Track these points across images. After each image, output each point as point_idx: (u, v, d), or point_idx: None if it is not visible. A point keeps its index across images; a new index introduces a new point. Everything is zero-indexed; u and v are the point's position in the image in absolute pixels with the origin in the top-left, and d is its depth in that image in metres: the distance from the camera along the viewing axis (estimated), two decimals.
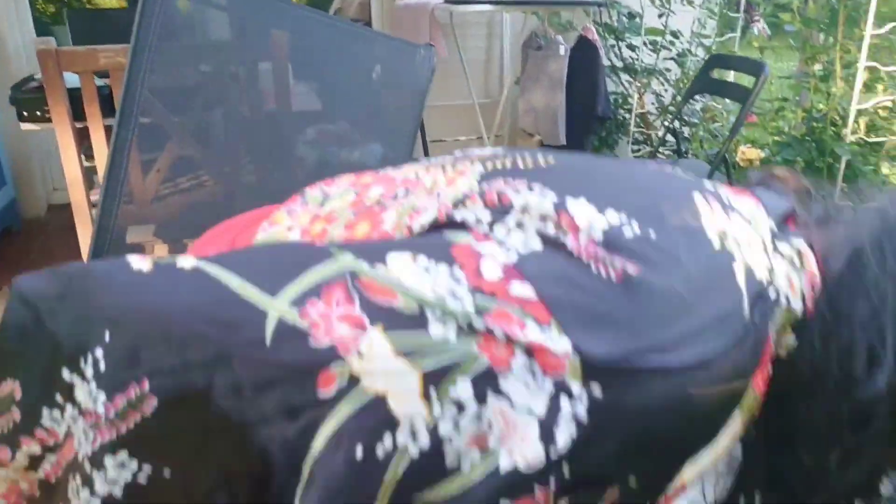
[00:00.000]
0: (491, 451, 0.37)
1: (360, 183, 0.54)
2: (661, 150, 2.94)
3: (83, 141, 1.87)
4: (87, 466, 0.37)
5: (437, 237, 0.42)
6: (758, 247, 0.44)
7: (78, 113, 1.80)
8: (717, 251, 0.42)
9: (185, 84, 1.61)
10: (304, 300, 0.37)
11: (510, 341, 0.38)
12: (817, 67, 2.33)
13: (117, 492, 0.37)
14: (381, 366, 0.37)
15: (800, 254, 0.46)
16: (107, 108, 1.83)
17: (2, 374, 0.39)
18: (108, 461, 0.37)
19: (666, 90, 3.20)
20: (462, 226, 0.43)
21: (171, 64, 1.35)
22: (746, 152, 2.63)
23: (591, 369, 0.37)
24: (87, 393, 0.38)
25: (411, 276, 0.38)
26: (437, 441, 0.37)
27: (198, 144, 1.72)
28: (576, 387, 0.37)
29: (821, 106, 2.31)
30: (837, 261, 0.44)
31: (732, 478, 0.46)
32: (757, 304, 0.41)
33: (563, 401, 0.37)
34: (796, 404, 0.43)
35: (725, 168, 2.22)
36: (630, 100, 3.33)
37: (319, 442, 0.36)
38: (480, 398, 0.38)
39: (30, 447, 0.39)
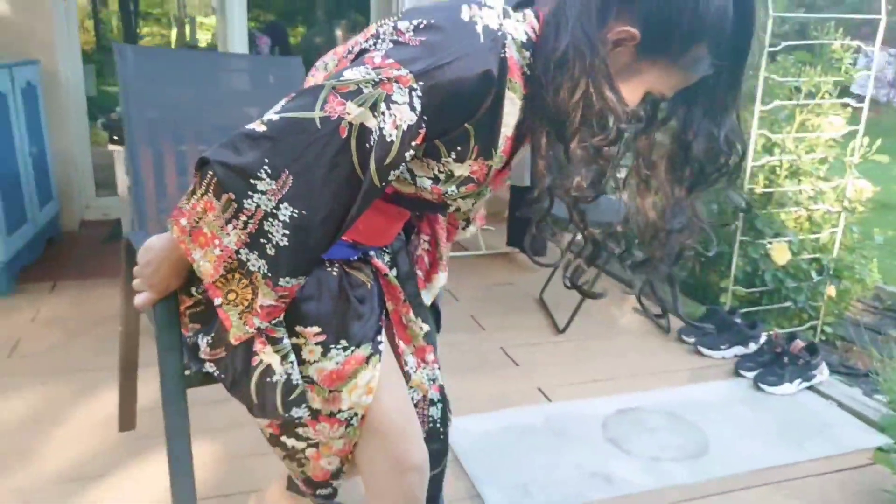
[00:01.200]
0: (398, 125, 0.87)
1: (337, 51, 1.09)
2: None
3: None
4: (274, 212, 0.89)
5: (358, 59, 0.93)
6: (494, 17, 0.93)
7: None
8: (466, 21, 0.91)
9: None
10: (323, 106, 0.87)
11: (389, 80, 0.87)
12: None
13: (286, 219, 0.89)
14: (355, 112, 0.86)
15: (524, 15, 0.96)
16: None
17: (222, 193, 0.89)
18: (281, 206, 0.88)
19: None
20: (366, 50, 0.97)
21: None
22: None
23: (418, 75, 0.87)
24: (266, 184, 0.88)
25: (352, 75, 0.88)
26: (381, 133, 0.87)
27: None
28: (415, 84, 0.87)
29: None
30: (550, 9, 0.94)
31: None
32: (488, 37, 0.91)
33: (412, 93, 0.88)
34: (541, 83, 0.93)
35: None
36: None
37: (353, 145, 0.87)
38: (388, 106, 0.87)
39: (241, 217, 0.90)
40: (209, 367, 1.08)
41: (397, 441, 1.07)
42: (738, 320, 2.61)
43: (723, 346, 2.56)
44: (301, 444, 1.09)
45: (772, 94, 2.76)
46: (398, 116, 0.88)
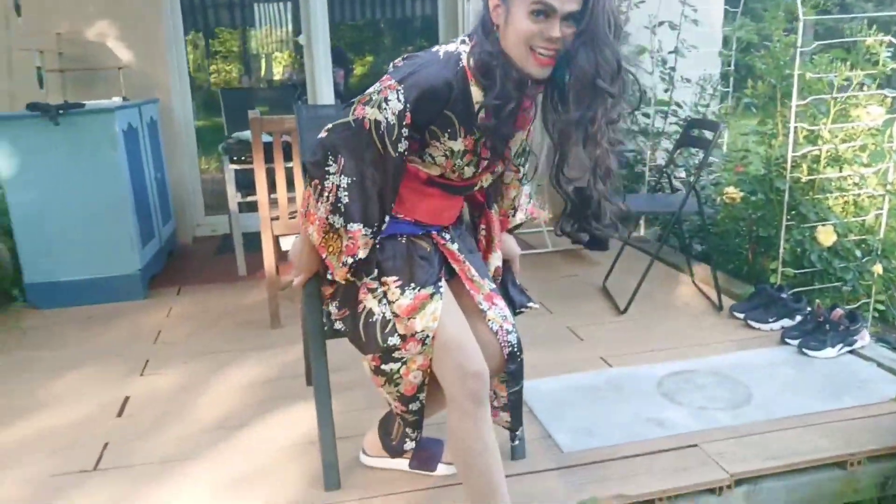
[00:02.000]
0: (394, 113, 1.37)
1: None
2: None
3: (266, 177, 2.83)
4: (340, 182, 1.42)
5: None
6: (454, 45, 1.41)
7: (266, 158, 2.78)
8: (434, 51, 1.42)
9: None
10: (354, 112, 1.41)
11: (386, 88, 1.39)
12: (767, 127, 3.22)
13: (346, 185, 1.42)
14: (370, 112, 1.38)
15: (473, 39, 1.42)
16: (286, 155, 2.80)
17: (314, 180, 1.44)
18: (342, 178, 1.41)
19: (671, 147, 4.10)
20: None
21: None
22: (730, 192, 3.47)
23: (399, 81, 1.38)
24: (333, 167, 1.42)
25: (369, 90, 1.42)
26: (386, 121, 1.38)
27: None
28: (399, 87, 1.38)
29: (771, 154, 3.18)
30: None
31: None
32: (446, 57, 1.41)
33: (398, 93, 1.37)
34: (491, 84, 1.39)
35: (696, 194, 3.08)
36: (644, 156, 4.25)
37: (374, 132, 1.40)
38: (387, 104, 1.38)
39: (325, 193, 1.44)
40: (338, 325, 1.55)
41: (458, 352, 1.46)
42: (784, 295, 2.86)
43: (771, 319, 2.81)
44: (396, 366, 1.51)
45: (809, 89, 3.02)
46: (392, 108, 1.38)
